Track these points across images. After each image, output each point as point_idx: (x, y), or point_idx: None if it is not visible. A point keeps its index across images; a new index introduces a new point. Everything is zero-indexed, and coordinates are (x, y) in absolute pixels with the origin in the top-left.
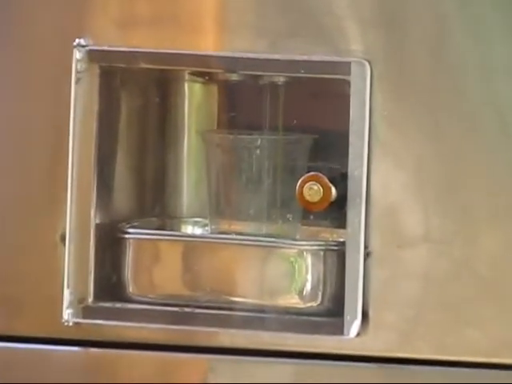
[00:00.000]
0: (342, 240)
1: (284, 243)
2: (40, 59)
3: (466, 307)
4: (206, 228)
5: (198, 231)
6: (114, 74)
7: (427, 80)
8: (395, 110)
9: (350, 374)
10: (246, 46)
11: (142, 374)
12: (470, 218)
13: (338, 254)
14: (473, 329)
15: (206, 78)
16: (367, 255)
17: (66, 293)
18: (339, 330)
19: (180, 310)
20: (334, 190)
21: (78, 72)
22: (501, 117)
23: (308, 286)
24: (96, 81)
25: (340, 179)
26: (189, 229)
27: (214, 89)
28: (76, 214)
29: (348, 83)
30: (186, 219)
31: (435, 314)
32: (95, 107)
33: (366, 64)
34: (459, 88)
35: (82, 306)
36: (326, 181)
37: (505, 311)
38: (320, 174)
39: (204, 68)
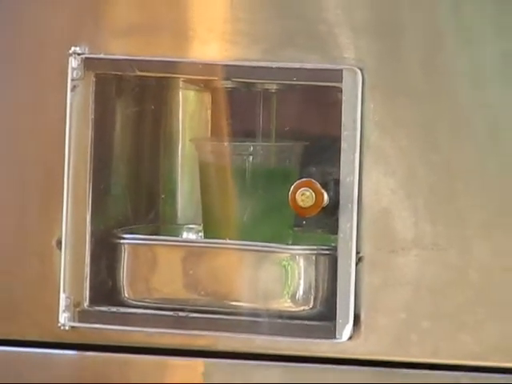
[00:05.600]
0: (333, 245)
1: (277, 248)
2: (36, 66)
3: (457, 312)
4: (200, 234)
5: (192, 237)
6: (110, 82)
7: (419, 88)
8: (386, 117)
9: (342, 377)
10: (239, 54)
11: (138, 378)
12: (460, 224)
13: (330, 258)
14: (464, 333)
15: (201, 85)
16: (359, 260)
17: (62, 297)
18: (331, 333)
19: (175, 315)
20: (326, 196)
21: (73, 79)
22: (492, 124)
23: (300, 290)
24: (91, 88)
25: (332, 185)
26: (183, 235)
27: (208, 96)
28: (72, 219)
29: (340, 90)
30: (180, 225)
31: (426, 319)
32: (91, 114)
33: (358, 71)
34: (450, 95)
35: (77, 310)
36: (319, 187)
37: (495, 317)
38: (312, 180)
39: (198, 76)
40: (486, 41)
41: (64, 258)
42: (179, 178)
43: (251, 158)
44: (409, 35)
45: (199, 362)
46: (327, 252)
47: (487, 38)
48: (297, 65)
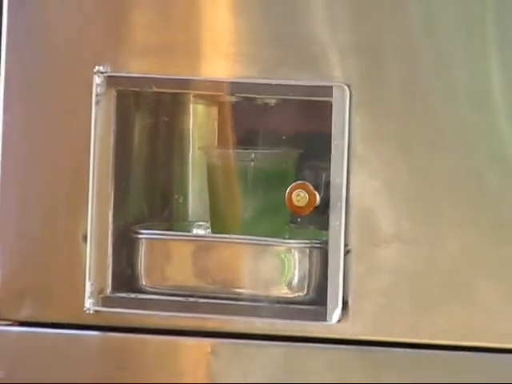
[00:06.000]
0: (324, 239)
1: (275, 242)
2: (65, 83)
3: (431, 297)
4: (208, 230)
5: (201, 232)
6: (129, 97)
7: (399, 103)
8: (370, 128)
9: (331, 355)
10: (242, 72)
11: (153, 356)
12: (434, 222)
13: (322, 251)
14: (437, 315)
15: (209, 100)
16: (347, 252)
17: (88, 285)
18: (322, 316)
19: (186, 300)
20: (318, 197)
21: (97, 95)
22: (462, 136)
23: (296, 279)
24: (113, 102)
25: (323, 187)
26: (193, 230)
27: (215, 109)
28: (96, 217)
29: (330, 104)
30: (190, 222)
31: (405, 303)
32: (112, 125)
33: (346, 88)
34: (425, 111)
35: (101, 296)
36: (311, 188)
37: (464, 301)
38: (306, 183)
39: (206, 91)
40: (457, 63)
41: (89, 251)
42: (190, 180)
43: (252, 163)
44: (389, 57)
45: (207, 341)
46: (319, 245)
47: (457, 61)
48: (292, 82)
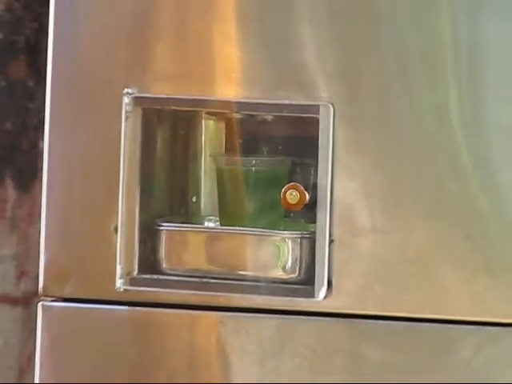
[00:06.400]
0: (313, 231)
1: (272, 233)
2: (99, 101)
3: (400, 279)
4: (217, 223)
5: (211, 225)
6: (152, 114)
7: (374, 119)
8: (351, 140)
9: (318, 325)
10: (244, 94)
11: (173, 326)
12: (403, 217)
13: (310, 240)
14: (407, 293)
15: (218, 116)
16: (331, 242)
17: (118, 268)
18: (311, 294)
19: (199, 280)
20: (307, 196)
21: (126, 112)
22: (426, 147)
23: (289, 263)
24: (139, 118)
25: (312, 188)
26: (205, 223)
27: (223, 124)
28: (125, 213)
29: (317, 120)
30: (203, 217)
31: (379, 283)
32: (138, 137)
33: (330, 107)
34: (396, 126)
35: (129, 277)
36: (302, 189)
37: (427, 282)
38: (298, 184)
39: (216, 109)
40: (422, 87)
41: (119, 240)
42: (202, 182)
43: (254, 168)
44: (366, 81)
45: (217, 314)
46: (308, 236)
47: (423, 85)
48: (286, 101)
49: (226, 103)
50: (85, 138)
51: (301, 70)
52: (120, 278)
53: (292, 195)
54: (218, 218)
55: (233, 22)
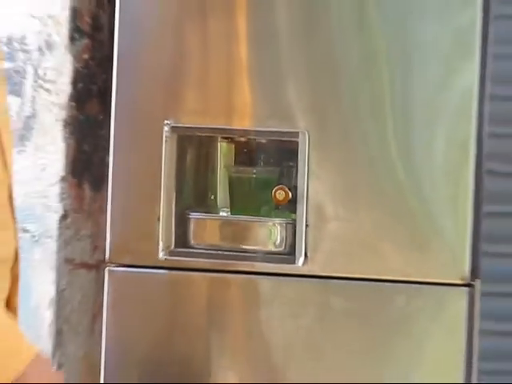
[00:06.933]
0: (294, 218)
1: (266, 220)
2: (148, 129)
3: (356, 251)
4: (229, 213)
5: (224, 214)
6: (184, 138)
7: (340, 142)
8: (322, 156)
9: (298, 284)
10: (247, 124)
11: (198, 284)
12: (357, 207)
13: (293, 225)
14: (360, 262)
15: (228, 139)
16: (307, 226)
17: (160, 244)
18: (293, 262)
19: (216, 252)
20: (290, 194)
21: (166, 137)
22: (372, 163)
23: (278, 241)
24: (175, 141)
25: (294, 189)
26: (220, 213)
27: (232, 145)
28: (164, 206)
29: (297, 143)
30: (219, 209)
31: (341, 255)
32: (174, 154)
33: (306, 133)
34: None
35: (168, 250)
36: (287, 189)
37: (374, 253)
38: (284, 186)
39: (227, 135)
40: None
41: (161, 225)
42: (218, 185)
43: (254, 175)
44: (334, 114)
45: (229, 276)
46: (291, 222)
47: (370, 117)
48: (274, 129)
49: (235, 131)
50: (137, 155)
51: (285, 106)
52: (162, 251)
53: (280, 194)
54: (229, 210)
55: (241, 75)
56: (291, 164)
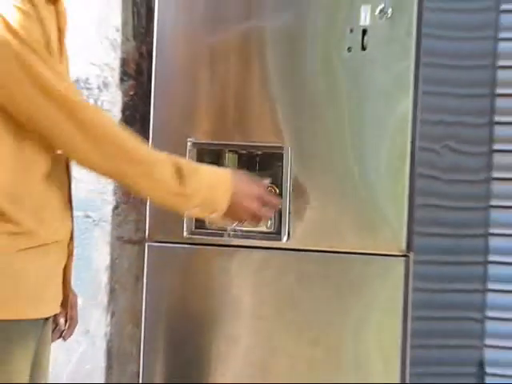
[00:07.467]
0: (280, 207)
1: None
2: (176, 145)
3: (326, 231)
4: None
5: None
6: (202, 151)
7: (316, 155)
8: (302, 166)
9: (283, 256)
10: (246, 139)
11: (212, 257)
12: (327, 199)
13: (279, 213)
14: (329, 239)
15: (233, 152)
16: (289, 213)
17: (185, 226)
18: (279, 239)
19: (224, 232)
20: (277, 191)
21: (189, 151)
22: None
23: (269, 224)
24: (195, 154)
25: (281, 188)
26: None
27: (236, 155)
28: None
29: (282, 154)
30: None
31: (315, 234)
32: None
33: (289, 148)
34: (325, 159)
35: (190, 230)
36: (275, 187)
37: (339, 233)
38: (273, 185)
39: (234, 148)
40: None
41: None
42: None
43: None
44: (310, 132)
45: (231, 249)
46: (278, 211)
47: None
48: (265, 144)
49: (237, 145)
50: None
51: (275, 129)
52: (186, 231)
53: (270, 191)
54: None
55: (242, 105)
56: (278, 170)
